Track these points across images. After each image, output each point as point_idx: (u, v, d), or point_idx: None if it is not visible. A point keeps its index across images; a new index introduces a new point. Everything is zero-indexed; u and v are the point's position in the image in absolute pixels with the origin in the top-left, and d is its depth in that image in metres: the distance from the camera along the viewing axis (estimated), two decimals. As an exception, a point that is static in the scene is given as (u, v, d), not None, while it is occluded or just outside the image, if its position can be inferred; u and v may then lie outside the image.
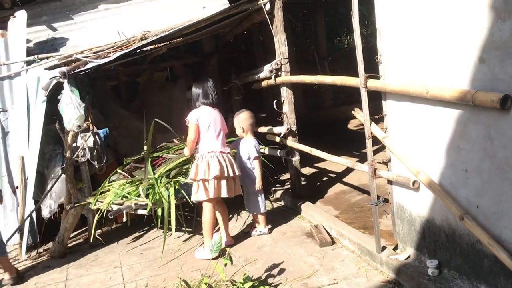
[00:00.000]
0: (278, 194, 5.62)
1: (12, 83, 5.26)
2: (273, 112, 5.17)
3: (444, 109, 2.86)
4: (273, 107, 4.94)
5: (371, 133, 3.49)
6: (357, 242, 3.90)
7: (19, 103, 5.18)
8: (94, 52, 4.57)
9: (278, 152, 5.04)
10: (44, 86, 4.59)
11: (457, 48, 2.68)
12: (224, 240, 4.25)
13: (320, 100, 9.95)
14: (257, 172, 4.42)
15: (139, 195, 4.42)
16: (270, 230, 4.59)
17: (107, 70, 5.73)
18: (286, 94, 4.87)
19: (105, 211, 4.43)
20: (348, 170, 6.09)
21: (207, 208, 4.18)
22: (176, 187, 4.46)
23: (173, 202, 4.33)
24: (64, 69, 4.26)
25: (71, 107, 4.23)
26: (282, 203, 5.46)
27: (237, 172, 4.16)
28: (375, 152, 5.78)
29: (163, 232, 4.37)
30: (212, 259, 3.88)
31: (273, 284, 3.51)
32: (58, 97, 4.44)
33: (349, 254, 3.91)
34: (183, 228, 4.78)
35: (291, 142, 4.93)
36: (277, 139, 5.09)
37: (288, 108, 4.89)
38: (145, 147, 4.45)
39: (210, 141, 4.14)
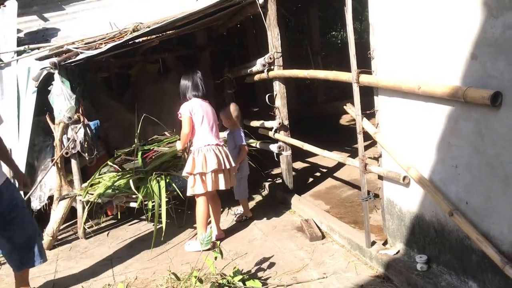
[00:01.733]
0: (269, 188, 5.62)
1: (2, 73, 5.20)
2: (265, 106, 5.17)
3: (435, 105, 2.86)
4: (265, 101, 4.93)
5: (363, 128, 3.49)
6: (347, 236, 3.92)
7: (9, 94, 5.13)
8: (86, 43, 4.53)
9: (270, 147, 5.03)
10: (35, 76, 4.55)
11: (450, 44, 2.68)
12: (215, 234, 4.26)
13: (313, 95, 9.95)
14: (240, 157, 4.59)
15: (129, 188, 4.40)
16: (254, 218, 4.78)
17: (98, 61, 5.69)
18: (278, 88, 4.86)
19: (95, 203, 4.40)
20: (339, 165, 6.11)
21: (201, 202, 4.16)
22: (167, 180, 4.44)
23: (163, 195, 4.31)
24: (55, 59, 4.21)
25: (62, 98, 4.19)
26: (273, 197, 5.46)
27: (232, 164, 4.16)
28: (367, 148, 5.82)
29: (153, 225, 4.37)
30: (203, 252, 3.87)
31: (263, 278, 3.51)
32: (49, 88, 4.39)
33: (339, 248, 3.92)
34: (174, 222, 4.78)
35: (283, 136, 4.92)
36: (270, 133, 5.08)
37: (280, 103, 4.88)
38: (136, 140, 4.41)
39: (205, 134, 4.10)
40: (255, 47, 7.48)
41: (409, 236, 3.35)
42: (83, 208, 4.71)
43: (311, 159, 6.60)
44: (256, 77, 5.27)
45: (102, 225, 5.10)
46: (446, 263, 3.00)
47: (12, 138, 5.09)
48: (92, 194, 4.42)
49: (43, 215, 5.00)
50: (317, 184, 5.63)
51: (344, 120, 9.48)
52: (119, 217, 4.93)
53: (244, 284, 3.29)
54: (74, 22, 5.76)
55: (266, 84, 5.59)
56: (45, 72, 4.46)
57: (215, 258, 3.29)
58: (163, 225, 4.26)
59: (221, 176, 4.09)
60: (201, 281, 3.28)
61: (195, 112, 4.08)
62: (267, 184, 5.70)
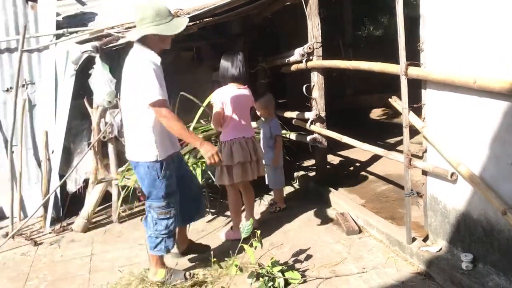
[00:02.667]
0: (301, 180, 5.57)
1: (40, 56, 5.24)
2: (294, 97, 5.15)
3: (490, 100, 2.78)
4: (295, 92, 4.89)
5: (409, 122, 3.41)
6: (385, 232, 3.86)
7: (47, 77, 5.17)
8: (126, 28, 4.52)
9: (307, 138, 4.96)
10: (74, 60, 4.57)
11: (508, 36, 2.59)
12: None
13: (341, 88, 9.82)
14: (277, 149, 4.58)
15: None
16: (287, 208, 4.77)
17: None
18: (316, 79, 4.80)
19: (132, 188, 4.42)
20: (372, 159, 6.02)
21: (231, 191, 4.14)
22: (203, 168, 4.43)
23: (199, 182, 4.30)
24: (96, 43, 4.22)
25: (102, 83, 4.20)
26: (305, 189, 5.41)
27: (260, 155, 4.11)
28: (399, 143, 5.76)
29: None
30: (239, 240, 3.87)
31: (300, 270, 3.48)
32: (90, 72, 4.41)
33: (377, 243, 3.87)
34: (207, 209, 4.77)
35: (319, 128, 4.86)
36: (307, 125, 5.02)
37: (318, 94, 4.82)
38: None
39: (233, 127, 4.03)
40: (287, 37, 7.39)
41: (453, 234, 3.28)
42: (118, 192, 4.74)
43: (342, 152, 6.52)
44: (293, 67, 5.21)
45: (135, 210, 5.12)
46: (494, 263, 2.92)
47: (49, 120, 5.15)
48: (129, 179, 4.43)
49: (76, 198, 5.05)
50: (350, 178, 5.55)
51: (374, 114, 9.37)
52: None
53: (283, 275, 3.27)
54: (111, 7, 5.76)
55: (297, 75, 5.51)
56: (85, 55, 4.47)
57: (255, 247, 3.26)
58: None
59: (247, 167, 4.06)
60: (241, 270, 3.26)
61: (227, 103, 3.96)
62: (299, 175, 5.65)
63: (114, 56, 4.51)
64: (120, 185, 4.51)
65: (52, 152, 5.17)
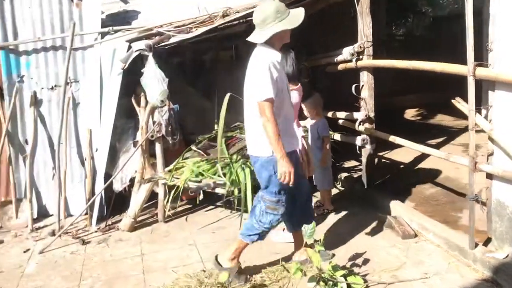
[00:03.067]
0: (346, 181, 5.49)
1: (84, 54, 5.22)
2: (331, 97, 5.11)
3: None
4: (334, 92, 4.82)
5: (475, 124, 3.32)
6: (443, 236, 3.77)
7: (92, 75, 5.15)
8: (175, 27, 4.49)
9: (356, 139, 4.88)
10: (123, 58, 4.54)
11: None
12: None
13: (376, 88, 9.71)
14: (324, 149, 4.52)
15: (214, 174, 4.36)
16: (334, 210, 4.70)
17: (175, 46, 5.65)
18: (366, 79, 4.71)
19: (181, 188, 4.38)
20: (416, 161, 5.91)
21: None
22: (252, 168, 4.36)
23: (249, 183, 4.25)
24: (150, 42, 4.19)
25: (155, 82, 4.16)
26: (350, 191, 5.33)
27: (310, 155, 4.02)
28: (441, 144, 5.62)
29: (231, 212, 4.36)
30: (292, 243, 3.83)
31: (360, 274, 3.40)
32: (142, 70, 4.37)
33: (435, 248, 3.78)
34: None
35: (369, 129, 4.77)
36: (356, 125, 4.93)
37: (367, 94, 4.73)
38: (220, 124, 4.32)
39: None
40: (328, 36, 7.28)
41: (523, 240, 3.18)
42: (165, 191, 4.72)
43: (385, 154, 6.40)
44: (341, 67, 5.12)
45: (178, 209, 5.08)
46: None
47: (93, 119, 5.14)
48: (178, 178, 4.40)
49: (119, 197, 5.03)
50: (396, 180, 5.44)
51: (408, 115, 9.24)
52: (197, 202, 4.88)
53: (345, 280, 3.20)
54: (154, 6, 5.74)
55: (339, 74, 5.42)
56: (134, 54, 4.44)
57: (318, 251, 3.20)
58: (248, 211, 4.19)
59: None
60: (305, 274, 3.19)
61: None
62: (342, 176, 5.56)
63: (162, 55, 4.47)
64: (170, 184, 4.47)
65: (96, 151, 5.17)
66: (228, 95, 4.31)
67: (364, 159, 4.95)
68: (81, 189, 5.25)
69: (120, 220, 4.89)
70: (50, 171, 5.27)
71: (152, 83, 4.15)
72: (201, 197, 4.30)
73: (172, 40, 4.25)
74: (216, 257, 3.52)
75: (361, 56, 4.68)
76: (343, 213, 4.65)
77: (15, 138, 5.19)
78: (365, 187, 5.00)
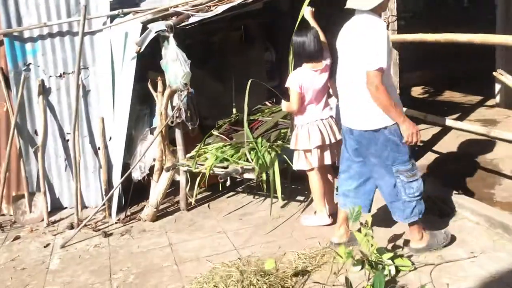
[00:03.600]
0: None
1: (93, 39, 4.99)
2: None
3: None
4: None
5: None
6: (484, 214, 3.66)
7: (102, 61, 4.94)
8: (192, 6, 4.28)
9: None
10: (138, 41, 4.33)
11: None
12: (328, 208, 4.04)
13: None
14: None
15: (239, 159, 4.21)
16: None
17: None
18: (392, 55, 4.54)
19: (207, 174, 4.22)
20: (435, 139, 5.78)
21: (311, 176, 3.96)
22: (278, 152, 4.22)
23: (277, 166, 4.10)
24: (171, 22, 3.98)
25: (178, 64, 3.96)
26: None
27: (338, 137, 3.88)
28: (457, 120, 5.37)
29: (254, 197, 4.37)
30: (323, 226, 3.78)
31: (405, 256, 3.29)
32: (162, 53, 4.17)
33: (475, 226, 3.67)
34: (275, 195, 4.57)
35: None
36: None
37: (392, 71, 4.57)
38: (245, 108, 4.15)
39: (310, 109, 3.82)
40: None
41: None
42: (186, 179, 4.56)
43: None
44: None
45: (198, 197, 4.92)
46: None
47: (105, 107, 4.94)
48: (203, 165, 4.24)
49: (139, 186, 4.86)
50: (417, 158, 5.31)
51: (415, 93, 9.11)
52: (220, 189, 4.71)
53: (393, 262, 3.08)
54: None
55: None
56: (151, 36, 4.23)
57: (365, 234, 3.07)
58: (279, 198, 4.07)
59: (326, 152, 3.87)
60: (352, 257, 3.05)
61: (304, 85, 3.72)
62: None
63: (180, 36, 4.26)
64: (195, 171, 4.30)
65: (110, 140, 4.98)
66: (250, 81, 4.11)
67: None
68: (95, 179, 5.08)
69: (139, 210, 4.75)
70: (62, 162, 5.09)
71: (174, 66, 3.96)
72: (228, 183, 4.12)
73: (192, 19, 4.04)
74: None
75: (384, 31, 4.50)
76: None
77: (24, 129, 4.99)
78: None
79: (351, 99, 3.18)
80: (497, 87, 6.84)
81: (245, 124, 4.13)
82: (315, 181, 3.94)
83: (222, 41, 6.19)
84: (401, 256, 3.20)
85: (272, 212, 4.33)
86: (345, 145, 3.40)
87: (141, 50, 4.33)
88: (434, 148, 5.56)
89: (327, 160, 3.89)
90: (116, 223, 4.56)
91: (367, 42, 2.93)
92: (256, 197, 4.80)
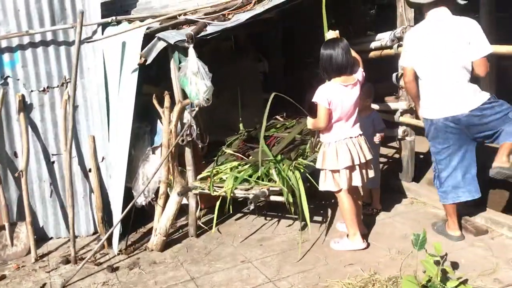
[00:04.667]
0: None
1: (81, 49, 4.49)
2: None
3: None
4: None
5: None
6: (523, 229, 3.54)
7: (93, 73, 4.46)
8: (205, 14, 3.90)
9: (398, 131, 4.57)
10: (144, 52, 3.90)
11: None
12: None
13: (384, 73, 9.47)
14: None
15: (259, 179, 3.87)
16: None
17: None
18: (408, 67, 4.38)
19: (230, 198, 3.85)
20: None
21: (341, 197, 3.69)
22: (301, 170, 3.92)
23: (302, 187, 3.80)
24: (190, 31, 3.58)
25: (200, 78, 3.56)
26: (385, 186, 5.00)
27: (368, 156, 3.65)
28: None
29: (266, 219, 4.02)
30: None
31: (460, 281, 3.08)
32: (180, 65, 3.76)
33: (516, 242, 3.55)
34: (287, 215, 4.28)
35: (410, 119, 4.48)
36: (395, 116, 4.61)
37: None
38: (263, 123, 3.81)
39: (339, 126, 3.56)
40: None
41: None
42: (196, 203, 4.16)
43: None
44: (374, 54, 4.75)
45: (202, 220, 4.53)
46: None
47: (97, 124, 4.46)
48: (221, 187, 3.86)
49: (138, 210, 4.39)
50: (424, 172, 5.18)
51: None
52: (225, 211, 4.32)
53: (458, 291, 2.86)
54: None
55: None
56: (159, 46, 3.82)
57: (436, 263, 2.83)
58: (308, 222, 3.77)
59: (355, 172, 3.62)
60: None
61: (334, 101, 3.46)
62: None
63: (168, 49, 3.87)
64: (214, 195, 3.90)
65: (102, 160, 4.50)
66: (273, 94, 3.79)
67: (405, 151, 4.64)
68: (86, 205, 4.58)
69: (140, 238, 4.30)
70: (46, 187, 4.55)
71: (195, 80, 3.55)
72: (251, 207, 3.75)
73: (212, 28, 3.67)
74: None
75: (401, 42, 4.34)
76: (390, 211, 4.35)
77: (2, 151, 4.40)
78: (405, 181, 4.69)
79: (458, 87, 3.37)
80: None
81: (261, 140, 3.80)
82: (346, 203, 3.67)
83: (212, 51, 5.81)
84: (465, 282, 2.98)
85: (294, 236, 4.04)
86: (445, 141, 3.51)
87: (148, 62, 3.90)
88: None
89: (357, 181, 3.63)
90: (118, 254, 4.07)
91: (475, 32, 3.28)
92: (268, 218, 4.47)
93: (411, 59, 3.53)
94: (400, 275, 3.21)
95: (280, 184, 3.68)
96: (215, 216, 4.13)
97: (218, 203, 3.95)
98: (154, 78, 4.65)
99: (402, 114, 4.53)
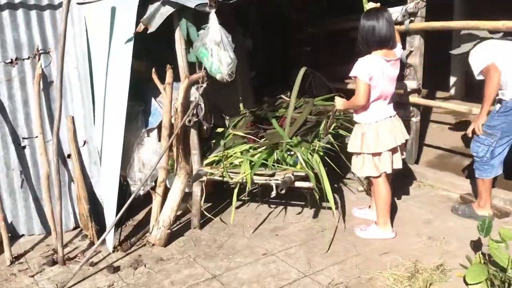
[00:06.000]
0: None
1: (56, 14, 3.85)
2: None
3: None
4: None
5: None
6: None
7: (72, 43, 3.84)
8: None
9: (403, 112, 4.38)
10: (145, 19, 3.38)
11: None
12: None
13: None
14: None
15: (276, 163, 3.52)
16: None
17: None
18: (417, 44, 4.20)
19: (249, 185, 3.45)
20: (433, 133, 5.62)
21: (379, 184, 3.43)
22: (321, 153, 3.62)
23: (324, 171, 3.50)
24: (211, -5, 3.10)
25: (222, 48, 3.10)
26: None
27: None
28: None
29: (270, 207, 3.80)
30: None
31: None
32: (199, 33, 3.26)
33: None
34: (292, 202, 4.02)
35: (418, 99, 4.31)
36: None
37: (418, 61, 4.24)
38: (292, 99, 3.45)
39: (379, 105, 3.29)
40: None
41: None
42: (201, 190, 3.73)
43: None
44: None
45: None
46: None
47: (78, 103, 3.88)
48: (237, 174, 3.45)
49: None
50: (424, 154, 5.06)
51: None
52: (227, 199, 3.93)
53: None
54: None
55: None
56: (164, 11, 3.31)
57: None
58: (333, 208, 3.47)
59: (396, 155, 3.41)
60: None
61: (375, 76, 3.18)
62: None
63: (200, 15, 3.40)
64: (231, 182, 3.49)
65: (84, 144, 3.92)
66: (303, 68, 3.43)
67: (411, 133, 4.47)
68: (64, 196, 3.97)
69: (133, 233, 3.80)
70: (16, 176, 3.88)
71: (218, 51, 3.08)
72: (273, 193, 3.38)
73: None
74: None
75: (412, 18, 4.14)
76: (400, 195, 4.17)
77: (-39, 135, 3.68)
78: (411, 164, 4.55)
79: None
80: (452, 80, 6.98)
81: (288, 119, 3.47)
82: (384, 189, 3.42)
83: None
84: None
85: (309, 224, 3.76)
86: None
87: (150, 30, 3.38)
88: (429, 143, 5.36)
89: (398, 164, 3.40)
90: (113, 252, 3.55)
91: None
92: (272, 206, 4.14)
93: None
94: (444, 262, 3.03)
95: (306, 168, 3.35)
96: (234, 205, 3.69)
97: (236, 190, 3.53)
98: (142, 52, 4.10)
99: (410, 93, 4.34)
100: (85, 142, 3.93)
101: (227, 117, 4.37)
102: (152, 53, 3.95)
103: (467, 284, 2.74)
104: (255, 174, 3.42)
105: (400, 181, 4.44)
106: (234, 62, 3.13)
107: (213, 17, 3.12)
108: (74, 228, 4.02)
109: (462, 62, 6.87)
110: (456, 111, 4.53)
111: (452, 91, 7.03)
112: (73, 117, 3.90)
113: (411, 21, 4.14)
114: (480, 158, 3.48)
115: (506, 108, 3.33)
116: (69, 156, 3.93)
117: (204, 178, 3.60)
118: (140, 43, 3.69)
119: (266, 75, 5.32)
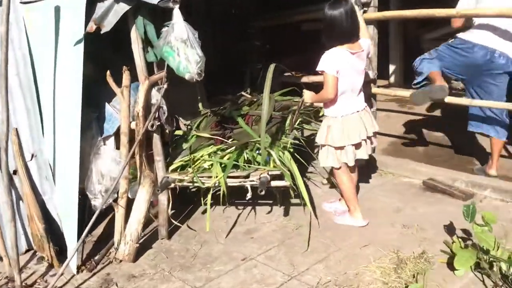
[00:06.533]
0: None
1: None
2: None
3: None
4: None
5: None
6: (509, 189, 3.64)
7: (10, 47, 3.45)
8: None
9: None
10: (97, 18, 3.10)
11: None
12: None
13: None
14: None
15: (247, 163, 3.39)
16: None
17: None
18: (372, 34, 4.20)
19: (224, 189, 3.27)
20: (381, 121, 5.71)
21: (341, 175, 3.44)
22: (291, 150, 3.54)
23: (296, 168, 3.43)
24: (175, -11, 2.88)
25: (189, 46, 2.89)
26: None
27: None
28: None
29: (237, 208, 3.74)
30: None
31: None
32: (162, 30, 3.01)
33: (504, 204, 3.64)
34: (260, 201, 3.88)
35: (376, 89, 4.34)
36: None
37: (372, 51, 4.24)
38: (265, 97, 3.30)
39: (346, 99, 3.25)
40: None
41: None
42: (168, 198, 3.52)
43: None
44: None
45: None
46: None
47: (17, 113, 3.51)
48: (209, 178, 3.27)
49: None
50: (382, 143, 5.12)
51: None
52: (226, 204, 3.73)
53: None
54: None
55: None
56: (119, 8, 3.05)
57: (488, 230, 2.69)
58: (308, 206, 3.39)
59: (362, 147, 3.40)
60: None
61: (342, 69, 3.12)
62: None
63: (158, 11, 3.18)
64: (203, 187, 3.30)
65: (32, 158, 3.56)
66: (272, 65, 3.31)
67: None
68: (7, 215, 3.58)
69: (94, 250, 3.52)
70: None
71: (184, 49, 2.88)
72: (249, 194, 3.24)
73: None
74: None
75: (365, 8, 4.14)
76: (366, 183, 4.18)
77: None
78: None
79: None
80: (391, 68, 7.19)
81: (264, 119, 3.31)
82: (345, 180, 3.42)
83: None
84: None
85: (282, 223, 3.67)
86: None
87: (104, 30, 3.10)
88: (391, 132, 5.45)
89: (361, 155, 3.39)
90: (77, 273, 3.26)
91: None
92: (240, 207, 4.00)
93: None
94: (424, 250, 3.05)
95: (281, 166, 3.25)
96: (209, 212, 3.53)
97: (209, 196, 3.36)
98: (94, 54, 3.78)
99: (367, 84, 4.35)
100: (33, 155, 3.56)
101: (181, 119, 4.18)
102: (96, 55, 3.65)
103: (452, 269, 2.78)
104: (228, 177, 3.26)
105: (363, 170, 4.48)
106: (202, 60, 2.95)
107: (177, 13, 2.90)
108: (27, 251, 3.65)
109: (400, 51, 7.13)
110: (400, 97, 4.72)
111: (392, 79, 7.26)
112: (16, 129, 3.53)
113: (365, 11, 4.14)
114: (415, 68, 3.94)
115: (455, 44, 3.75)
116: (15, 172, 3.55)
117: (173, 185, 3.39)
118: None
119: (216, 72, 5.14)
